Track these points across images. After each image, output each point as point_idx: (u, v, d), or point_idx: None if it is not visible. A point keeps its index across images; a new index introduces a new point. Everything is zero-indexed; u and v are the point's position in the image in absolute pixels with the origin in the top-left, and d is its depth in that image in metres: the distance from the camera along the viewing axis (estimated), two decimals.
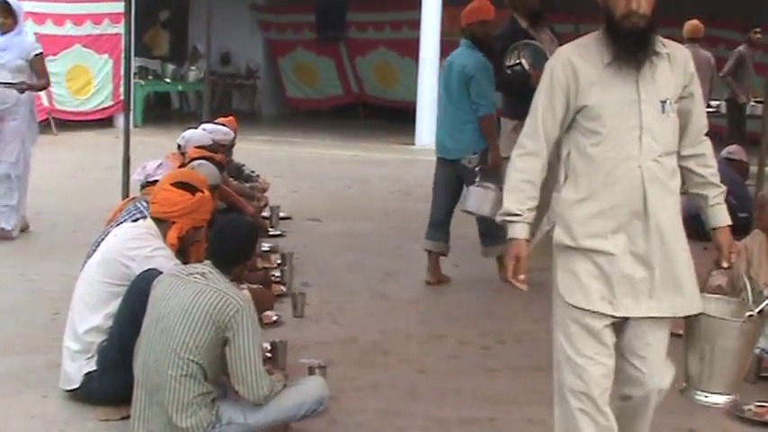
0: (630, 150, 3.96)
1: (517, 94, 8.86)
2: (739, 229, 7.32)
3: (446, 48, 19.11)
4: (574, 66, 4.00)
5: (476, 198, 8.05)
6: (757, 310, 4.30)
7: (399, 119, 20.09)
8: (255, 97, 23.27)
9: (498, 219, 4.09)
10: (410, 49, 19.46)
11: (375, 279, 8.44)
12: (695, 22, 13.19)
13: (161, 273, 4.91)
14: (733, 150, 10.53)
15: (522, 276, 4.03)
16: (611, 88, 3.98)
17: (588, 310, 3.99)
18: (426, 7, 18.08)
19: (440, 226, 8.57)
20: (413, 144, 18.06)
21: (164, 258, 5.27)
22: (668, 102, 4.01)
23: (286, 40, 22.74)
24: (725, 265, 4.27)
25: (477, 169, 8.12)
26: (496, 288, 8.30)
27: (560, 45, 9.05)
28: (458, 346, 6.77)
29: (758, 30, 14.76)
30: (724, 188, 4.25)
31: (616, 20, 3.94)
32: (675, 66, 4.06)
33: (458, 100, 8.29)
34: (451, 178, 8.46)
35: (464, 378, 6.13)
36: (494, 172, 8.07)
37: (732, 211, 9.81)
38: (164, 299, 4.65)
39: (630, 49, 3.95)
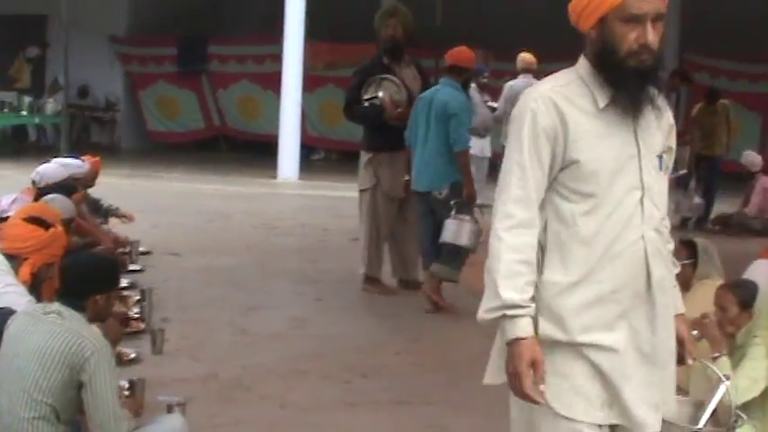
0: (631, 218, 3.23)
1: (373, 128, 8.99)
2: None
3: (309, 81, 19.24)
4: (560, 109, 3.20)
5: (452, 230, 8.44)
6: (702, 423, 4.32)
7: (262, 152, 20.03)
8: (115, 131, 22.95)
9: (491, 315, 3.15)
10: (273, 82, 19.44)
11: (236, 314, 8.35)
12: (528, 54, 13.41)
13: (14, 311, 4.77)
14: None
15: (542, 387, 3.13)
16: (608, 139, 3.23)
17: (588, 423, 3.25)
18: (289, 41, 18.08)
19: (433, 253, 8.70)
20: (275, 177, 18.00)
21: (16, 295, 5.13)
22: (663, 157, 3.35)
23: (147, 72, 22.50)
24: (689, 362, 3.52)
25: (452, 203, 8.45)
26: (359, 321, 8.31)
27: (425, 81, 9.34)
28: (320, 380, 6.73)
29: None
30: (679, 268, 3.56)
31: (620, 56, 3.17)
32: (659, 113, 3.34)
33: (435, 134, 8.58)
34: (427, 209, 8.76)
35: (325, 413, 6.09)
36: (468, 204, 8.52)
37: None
38: (18, 338, 4.51)
39: (634, 91, 3.22)
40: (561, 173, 3.23)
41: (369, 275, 9.19)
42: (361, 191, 9.28)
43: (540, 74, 13.27)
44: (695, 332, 5.26)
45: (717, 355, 5.16)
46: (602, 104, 3.23)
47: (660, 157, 3.32)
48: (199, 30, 21.67)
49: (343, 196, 12.27)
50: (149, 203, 14.14)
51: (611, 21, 3.18)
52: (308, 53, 18.52)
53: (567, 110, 3.21)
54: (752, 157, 13.59)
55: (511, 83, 13.24)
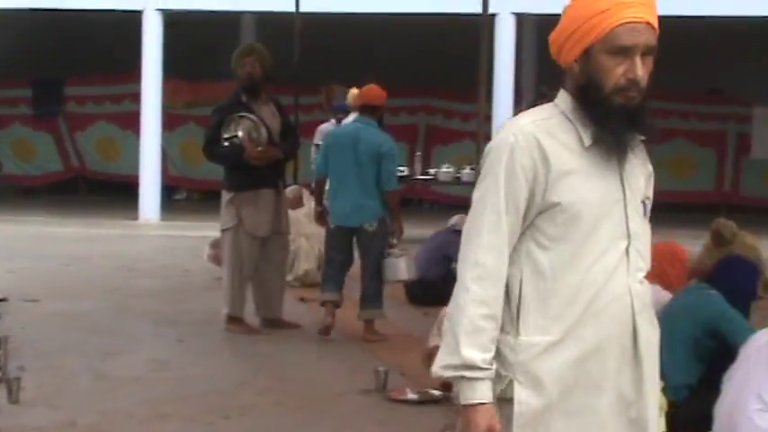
0: (616, 269, 2.92)
1: (234, 167, 8.97)
2: None
3: (169, 120, 19.08)
4: (541, 146, 2.87)
5: (392, 269, 8.97)
6: None
7: (123, 193, 19.74)
8: None
9: (448, 373, 2.88)
10: (132, 122, 19.19)
11: (95, 359, 8.18)
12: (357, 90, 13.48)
13: None
14: (457, 221, 10.91)
15: None
16: (593, 181, 2.91)
17: None
18: (146, 80, 17.91)
19: (336, 279, 9.04)
20: (136, 219, 17.76)
21: None
22: (646, 202, 3.04)
23: (2, 115, 22.00)
24: None
25: (393, 242, 9.00)
26: (221, 362, 8.23)
27: (284, 118, 9.36)
28: (181, 423, 6.62)
29: (547, 97, 15.01)
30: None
31: (605, 92, 2.87)
32: (640, 156, 3.03)
33: (367, 172, 8.84)
34: (347, 245, 9.03)
35: None
36: (397, 241, 9.08)
37: (455, 276, 9.97)
38: None
39: (620, 130, 2.90)
40: (539, 217, 2.89)
41: (231, 315, 9.10)
42: (223, 230, 9.22)
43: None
44: None
45: None
46: (587, 143, 2.91)
47: (644, 202, 3.01)
48: (54, 71, 21.30)
49: (206, 236, 12.14)
50: (4, 248, 13.82)
51: (597, 53, 2.88)
52: (167, 92, 18.37)
53: (549, 146, 2.88)
54: None
55: (350, 119, 13.22)
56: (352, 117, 13.12)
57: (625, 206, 2.93)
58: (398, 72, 19.78)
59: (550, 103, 3.00)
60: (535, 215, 2.88)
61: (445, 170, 15.40)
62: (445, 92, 19.92)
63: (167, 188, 19.62)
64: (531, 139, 2.86)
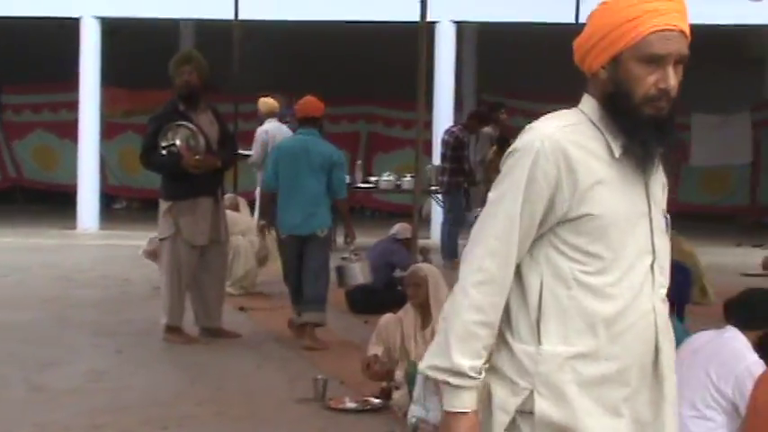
0: (642, 286, 2.80)
1: (172, 176, 8.92)
2: (400, 301, 7.59)
3: (108, 129, 18.92)
4: (568, 155, 2.73)
5: (349, 274, 9.51)
6: None
7: (61, 203, 19.54)
8: None
9: (434, 375, 2.78)
10: (70, 130, 19.01)
11: (32, 370, 8.07)
12: (269, 99, 13.49)
13: None
14: (399, 230, 10.94)
15: None
16: (621, 192, 2.78)
17: None
18: (84, 88, 17.75)
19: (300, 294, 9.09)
20: (75, 228, 17.59)
21: None
22: (667, 216, 2.94)
23: None
24: None
25: (352, 251, 9.46)
26: (160, 372, 8.16)
27: (222, 126, 9.32)
28: None
29: (504, 110, 14.98)
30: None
31: (635, 102, 2.75)
32: (659, 168, 2.91)
33: (318, 182, 8.99)
34: (300, 252, 9.04)
35: None
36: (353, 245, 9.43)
37: (396, 284, 10.06)
38: None
39: (649, 142, 2.77)
40: (561, 226, 2.76)
41: (170, 325, 9.04)
42: (161, 240, 9.16)
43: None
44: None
45: None
46: (617, 152, 2.78)
47: (666, 216, 2.90)
48: None
49: (145, 245, 12.05)
50: None
51: (628, 60, 2.75)
52: (105, 100, 18.22)
53: (577, 155, 2.74)
54: None
55: (265, 128, 13.24)
56: (267, 126, 13.18)
57: (650, 220, 2.83)
58: (339, 80, 19.81)
59: (574, 109, 2.87)
60: (555, 223, 2.76)
61: (386, 178, 15.41)
62: (386, 100, 19.95)
63: (106, 197, 19.46)
64: (558, 147, 2.73)
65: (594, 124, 2.80)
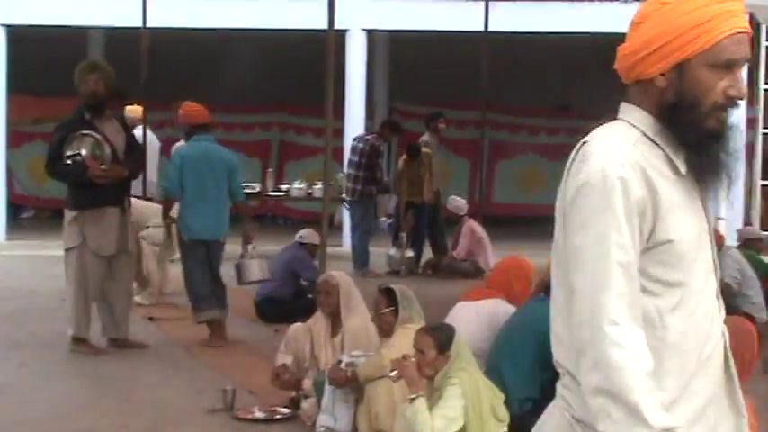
0: (714, 310, 2.61)
1: (77, 185, 8.81)
2: (310, 309, 7.56)
3: (15, 137, 18.61)
4: (648, 176, 2.49)
5: (247, 270, 9.57)
6: None
7: None
8: None
9: None
10: None
11: None
12: (134, 107, 13.43)
13: None
14: (304, 234, 10.90)
15: None
16: (688, 213, 2.56)
17: None
18: None
19: (211, 295, 9.32)
20: None
21: None
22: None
23: None
24: None
25: (250, 247, 9.59)
26: (65, 384, 8.04)
27: (128, 135, 9.23)
28: None
29: (443, 119, 14.89)
30: None
31: (702, 111, 2.52)
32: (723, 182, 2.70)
33: (222, 187, 9.35)
34: (203, 256, 9.33)
35: None
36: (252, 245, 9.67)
37: (305, 292, 9.98)
38: None
39: (717, 154, 2.56)
40: (643, 256, 2.48)
41: (77, 336, 8.92)
42: (67, 250, 9.02)
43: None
44: (394, 373, 5.38)
45: (414, 396, 5.26)
46: (683, 169, 2.55)
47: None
48: None
49: (53, 255, 11.83)
50: None
51: (697, 67, 2.51)
52: (12, 108, 17.92)
53: (653, 175, 2.50)
54: (457, 202, 14.02)
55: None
56: (136, 132, 13.06)
57: (710, 236, 2.63)
58: (251, 88, 19.73)
59: (621, 122, 2.61)
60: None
61: (297, 186, 15.37)
62: (297, 107, 19.90)
63: (13, 207, 19.13)
64: (638, 170, 2.48)
65: (651, 139, 2.56)
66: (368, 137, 14.17)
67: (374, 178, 13.85)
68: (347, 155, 14.68)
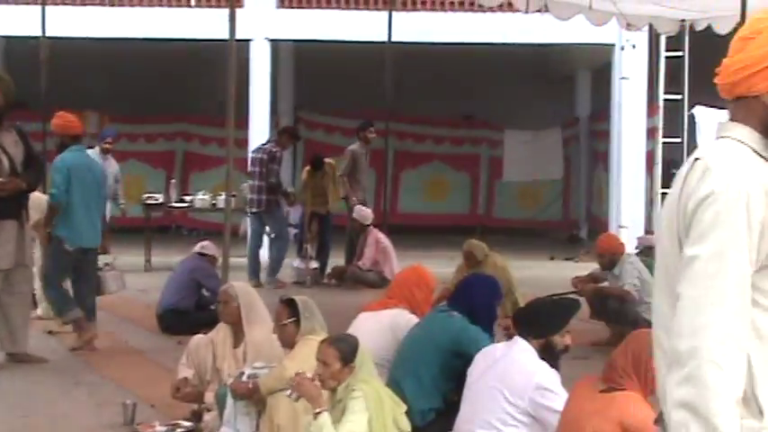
0: None
1: None
2: (213, 321, 7.49)
3: None
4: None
5: (104, 283, 10.14)
6: None
7: None
8: None
9: None
10: None
11: None
12: None
13: None
14: (206, 245, 10.83)
15: None
16: None
17: None
18: None
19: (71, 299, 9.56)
20: None
21: None
22: None
23: None
24: None
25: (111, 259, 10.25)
26: None
27: (27, 146, 9.06)
28: None
29: (372, 128, 14.77)
30: None
31: None
32: None
33: (100, 197, 9.86)
34: (76, 264, 9.49)
35: None
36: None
37: (207, 303, 9.84)
38: None
39: None
40: (757, 274, 2.43)
41: None
42: None
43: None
44: (294, 394, 5.34)
45: (318, 411, 5.23)
46: None
47: None
48: None
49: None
50: None
51: None
52: None
53: None
54: (363, 212, 14.03)
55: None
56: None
57: None
58: (155, 98, 19.56)
59: (732, 141, 2.54)
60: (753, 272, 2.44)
61: (201, 197, 15.25)
62: (202, 118, 19.78)
63: None
64: (760, 186, 2.42)
65: (760, 155, 2.51)
66: (265, 146, 13.94)
67: (273, 188, 13.65)
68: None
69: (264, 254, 14.04)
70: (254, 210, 13.70)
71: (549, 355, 5.42)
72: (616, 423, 4.55)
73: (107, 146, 14.10)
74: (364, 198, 14.34)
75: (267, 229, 13.85)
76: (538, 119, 20.20)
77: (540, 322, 5.50)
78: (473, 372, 5.54)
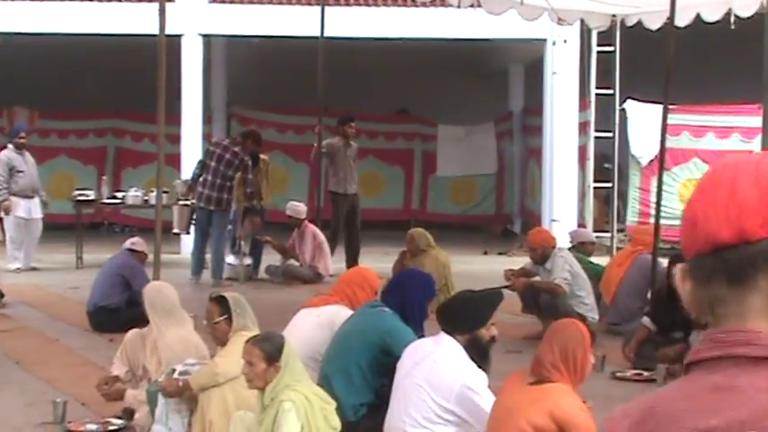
0: None
1: None
2: (144, 318, 7.41)
3: None
4: None
5: None
6: None
7: None
8: None
9: None
10: None
11: None
12: None
13: None
14: (135, 241, 10.73)
15: None
16: None
17: None
18: None
19: None
20: None
21: None
22: None
23: None
24: None
25: None
26: None
27: None
28: None
29: (353, 123, 14.58)
30: None
31: None
32: None
33: None
34: None
35: None
36: None
37: (138, 300, 9.78)
38: None
39: None
40: None
41: None
42: None
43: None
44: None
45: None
46: None
47: None
48: None
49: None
50: None
51: None
52: None
53: None
54: (297, 207, 13.98)
55: None
56: None
57: None
58: (86, 93, 19.35)
59: None
60: None
61: (133, 193, 15.09)
62: (133, 114, 19.59)
63: None
64: None
65: None
66: (235, 149, 13.44)
67: (232, 188, 13.43)
68: (186, 160, 14.40)
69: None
70: (210, 207, 13.26)
71: (477, 349, 5.39)
72: (547, 414, 4.57)
73: (21, 140, 13.97)
74: (345, 190, 14.33)
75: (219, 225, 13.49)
76: (471, 114, 20.25)
77: (465, 317, 5.47)
78: (400, 368, 5.54)
